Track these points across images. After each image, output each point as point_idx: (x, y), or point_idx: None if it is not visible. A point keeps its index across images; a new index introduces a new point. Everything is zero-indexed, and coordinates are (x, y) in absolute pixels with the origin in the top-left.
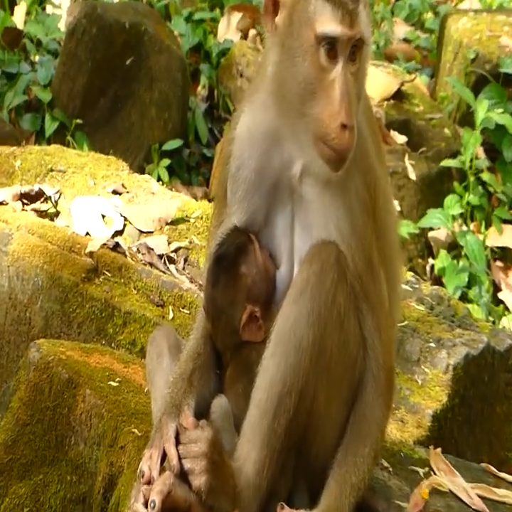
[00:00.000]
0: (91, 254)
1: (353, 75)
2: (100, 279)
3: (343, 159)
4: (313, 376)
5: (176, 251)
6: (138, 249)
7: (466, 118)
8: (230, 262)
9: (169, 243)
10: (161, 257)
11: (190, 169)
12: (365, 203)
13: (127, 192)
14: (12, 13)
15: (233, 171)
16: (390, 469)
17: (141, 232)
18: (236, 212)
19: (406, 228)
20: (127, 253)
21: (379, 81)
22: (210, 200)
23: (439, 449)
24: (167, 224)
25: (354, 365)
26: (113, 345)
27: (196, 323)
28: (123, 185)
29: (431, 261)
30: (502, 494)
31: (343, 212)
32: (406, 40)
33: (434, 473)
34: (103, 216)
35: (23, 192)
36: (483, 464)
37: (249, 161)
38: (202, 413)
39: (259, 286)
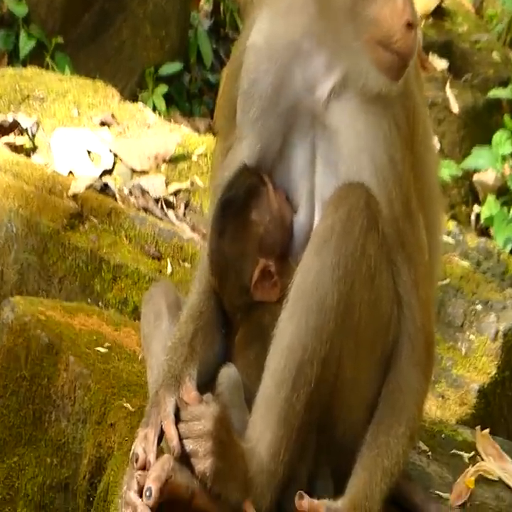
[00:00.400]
0: (74, 196)
1: None
2: (85, 227)
3: (405, 64)
4: (339, 341)
5: (175, 194)
6: (130, 191)
7: None
8: (239, 207)
9: (167, 184)
10: (157, 200)
11: (191, 97)
12: (404, 134)
13: (117, 124)
14: None
15: (246, 86)
16: (429, 453)
17: (135, 171)
18: (248, 137)
19: (447, 169)
20: (117, 196)
21: None
22: (215, 134)
23: (486, 430)
24: (165, 162)
25: (387, 328)
26: (101, 304)
27: (198, 272)
28: (112, 115)
29: (477, 208)
30: None
31: (380, 143)
32: None
33: (481, 459)
34: (89, 152)
35: None
36: None
37: (266, 76)
38: (206, 385)
39: (274, 235)
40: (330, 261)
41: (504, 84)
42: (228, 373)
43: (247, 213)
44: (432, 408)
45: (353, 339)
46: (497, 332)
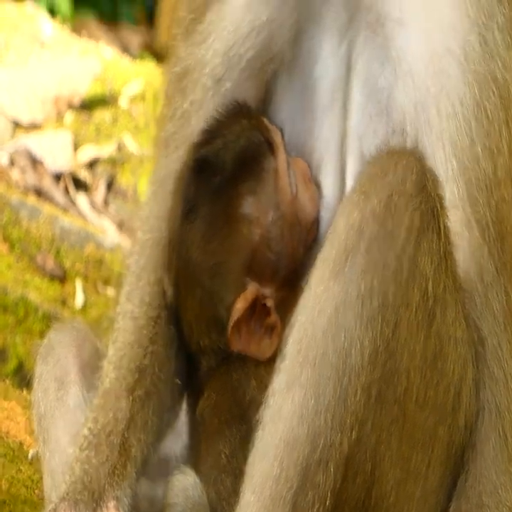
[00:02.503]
0: None
1: None
2: None
3: None
4: (374, 429)
5: (90, 166)
6: (12, 159)
7: None
8: (223, 183)
9: (77, 149)
10: (58, 177)
11: None
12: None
13: None
14: None
15: None
16: None
17: (19, 125)
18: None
19: None
20: None
21: None
22: (158, 57)
23: None
24: (72, 109)
25: (456, 405)
26: None
27: (125, 295)
28: None
29: None
30: None
31: (460, 63)
32: None
33: None
34: None
35: None
36: None
37: None
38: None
39: (278, 246)
40: (356, 288)
41: None
42: (184, 485)
43: (235, 200)
44: None
45: (396, 427)
46: None
